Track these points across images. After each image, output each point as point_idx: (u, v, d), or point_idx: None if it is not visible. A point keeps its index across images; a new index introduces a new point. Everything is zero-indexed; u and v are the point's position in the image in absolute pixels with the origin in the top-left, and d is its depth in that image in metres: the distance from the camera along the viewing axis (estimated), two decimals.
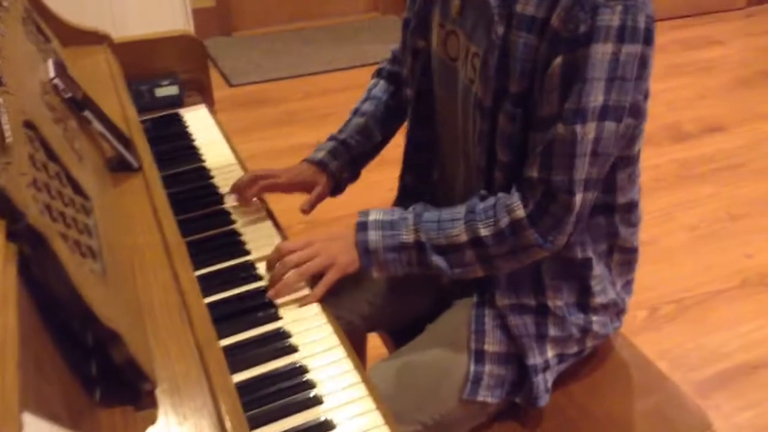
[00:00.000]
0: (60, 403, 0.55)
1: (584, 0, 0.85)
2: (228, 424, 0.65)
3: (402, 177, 1.28)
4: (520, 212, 0.95)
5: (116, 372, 0.64)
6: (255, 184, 1.19)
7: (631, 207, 1.05)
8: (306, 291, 1.01)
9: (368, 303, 1.21)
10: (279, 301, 0.99)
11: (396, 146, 1.30)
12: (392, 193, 1.33)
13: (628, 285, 1.15)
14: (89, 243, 0.73)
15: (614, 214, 1.04)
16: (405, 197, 1.29)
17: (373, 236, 1.00)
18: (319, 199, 1.24)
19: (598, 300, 1.06)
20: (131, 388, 0.65)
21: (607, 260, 1.08)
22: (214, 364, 0.72)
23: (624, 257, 1.10)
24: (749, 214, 2.53)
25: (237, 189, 1.20)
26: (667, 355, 1.95)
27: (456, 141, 1.10)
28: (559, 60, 0.88)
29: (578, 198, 0.92)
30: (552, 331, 1.05)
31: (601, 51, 0.86)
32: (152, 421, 0.64)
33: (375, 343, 1.47)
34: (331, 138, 1.28)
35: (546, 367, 1.05)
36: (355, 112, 1.30)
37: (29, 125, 0.76)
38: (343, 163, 1.26)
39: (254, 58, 3.92)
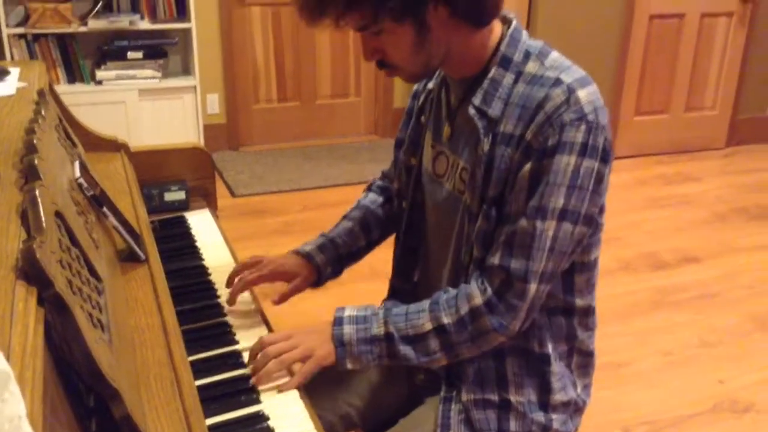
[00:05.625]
0: None
1: (554, 119, 1.01)
2: None
3: (391, 280, 1.40)
4: (478, 300, 1.06)
5: (114, 429, 0.74)
6: (243, 277, 1.31)
7: (588, 312, 1.17)
8: (286, 379, 1.10)
9: (347, 404, 1.29)
10: (261, 387, 1.08)
11: (387, 261, 1.42)
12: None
13: (586, 388, 1.24)
14: (100, 317, 0.84)
15: (573, 317, 1.15)
16: (392, 298, 1.39)
17: (348, 330, 1.11)
18: (295, 291, 1.34)
19: (558, 397, 1.15)
20: None
21: (568, 361, 1.18)
22: (198, 430, 0.81)
23: (582, 360, 1.20)
24: (722, 342, 2.62)
25: (229, 278, 1.32)
26: None
27: (444, 245, 1.22)
28: (528, 166, 1.03)
29: (532, 287, 1.04)
30: (513, 427, 1.14)
31: (565, 162, 1.01)
32: None
33: None
34: (321, 235, 1.41)
35: None
36: (345, 217, 1.44)
37: (58, 215, 0.89)
38: (328, 259, 1.37)
39: (257, 171, 4.14)
